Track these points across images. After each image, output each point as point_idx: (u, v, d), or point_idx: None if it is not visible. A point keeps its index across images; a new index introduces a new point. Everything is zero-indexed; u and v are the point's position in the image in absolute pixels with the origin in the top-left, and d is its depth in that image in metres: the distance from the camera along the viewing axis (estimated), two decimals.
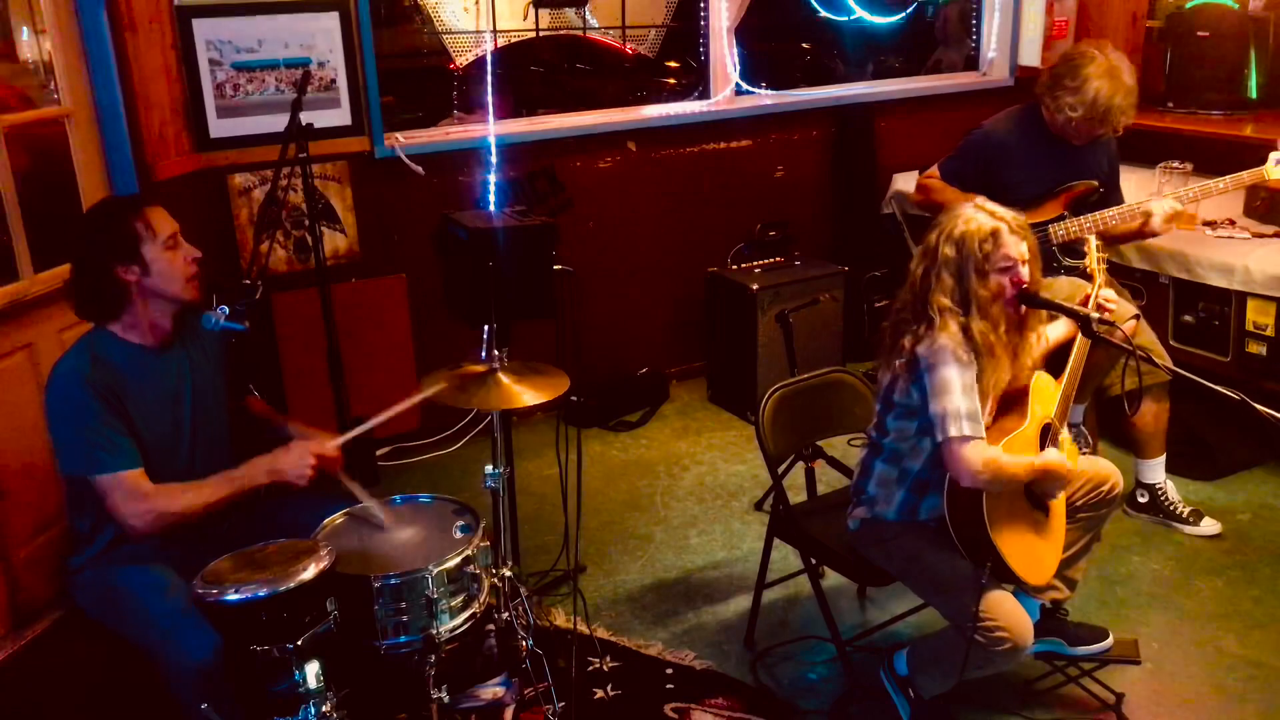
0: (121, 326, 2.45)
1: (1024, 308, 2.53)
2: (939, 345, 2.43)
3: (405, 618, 2.30)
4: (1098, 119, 3.39)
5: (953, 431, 2.39)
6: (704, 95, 5.03)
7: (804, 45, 6.22)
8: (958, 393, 2.40)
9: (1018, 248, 2.47)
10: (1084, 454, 2.86)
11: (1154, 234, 3.48)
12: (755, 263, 4.79)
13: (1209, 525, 3.59)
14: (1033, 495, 2.57)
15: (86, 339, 2.45)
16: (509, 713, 2.58)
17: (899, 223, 5.09)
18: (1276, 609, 3.19)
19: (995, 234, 2.45)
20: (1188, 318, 4.01)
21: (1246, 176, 3.46)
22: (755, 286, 4.51)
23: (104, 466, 2.33)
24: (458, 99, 4.75)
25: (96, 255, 2.40)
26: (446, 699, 2.35)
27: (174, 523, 2.36)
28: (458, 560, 2.36)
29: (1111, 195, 3.63)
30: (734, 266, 4.83)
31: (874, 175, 5.24)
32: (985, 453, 2.40)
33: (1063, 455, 2.53)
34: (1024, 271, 2.48)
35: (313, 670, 2.11)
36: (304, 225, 3.95)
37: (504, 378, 2.67)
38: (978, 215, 2.49)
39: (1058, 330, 2.80)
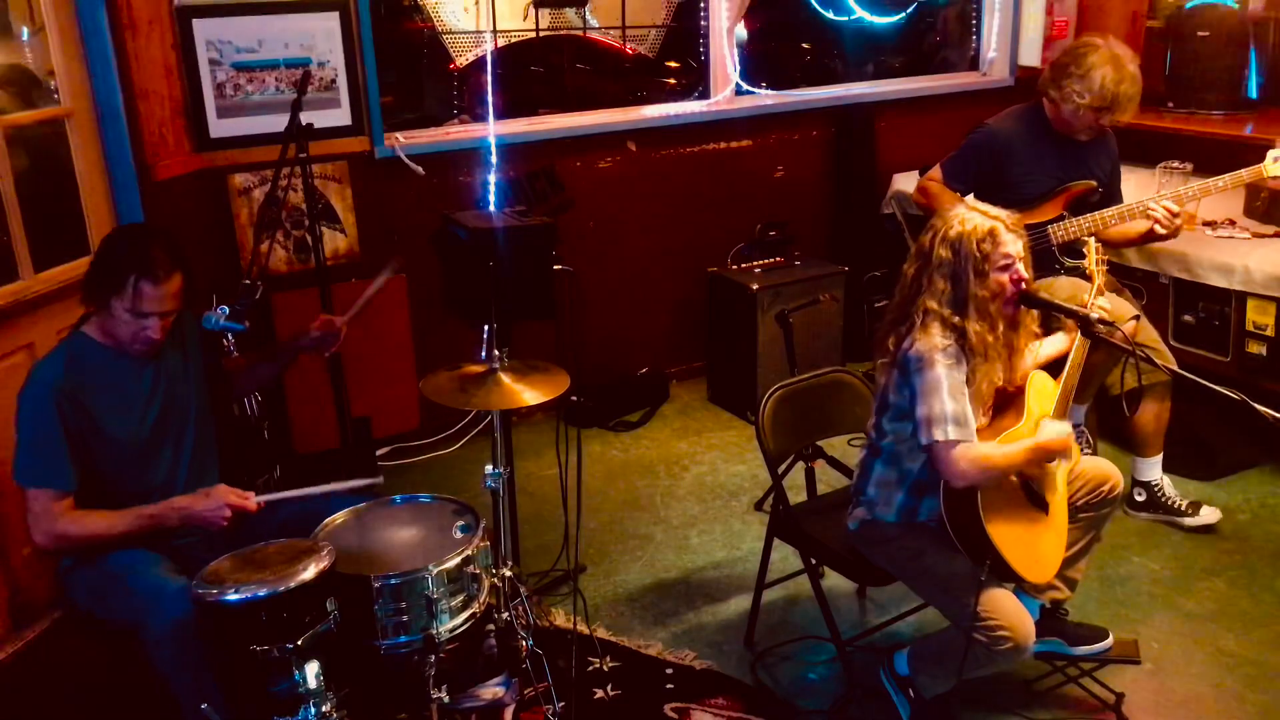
0: (101, 329, 2.48)
1: (1021, 307, 2.53)
2: (927, 347, 2.43)
3: (405, 618, 2.30)
4: (1104, 106, 3.38)
5: (938, 435, 2.39)
6: (704, 95, 5.04)
7: (804, 45, 6.22)
8: (945, 395, 2.40)
9: (1015, 245, 2.47)
10: (1085, 454, 2.86)
11: (1163, 235, 3.43)
12: (755, 263, 4.79)
13: (1208, 513, 3.58)
14: (1031, 493, 2.56)
15: (66, 341, 2.50)
16: (509, 713, 2.58)
17: (899, 223, 5.08)
18: (1276, 608, 3.19)
19: (993, 232, 2.45)
20: (1188, 318, 4.01)
21: (1246, 174, 3.46)
22: (755, 286, 4.51)
23: (35, 480, 2.39)
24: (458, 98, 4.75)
25: (96, 260, 2.46)
26: (446, 699, 2.35)
27: (73, 545, 2.42)
28: (458, 560, 2.36)
29: (1112, 197, 3.62)
30: (734, 266, 4.83)
31: (874, 175, 5.24)
32: (972, 452, 2.39)
33: (1059, 427, 2.50)
34: (1022, 269, 2.48)
35: (313, 670, 2.11)
36: (304, 225, 3.95)
37: (504, 377, 2.67)
38: (972, 215, 2.49)
39: (1052, 346, 2.78)
